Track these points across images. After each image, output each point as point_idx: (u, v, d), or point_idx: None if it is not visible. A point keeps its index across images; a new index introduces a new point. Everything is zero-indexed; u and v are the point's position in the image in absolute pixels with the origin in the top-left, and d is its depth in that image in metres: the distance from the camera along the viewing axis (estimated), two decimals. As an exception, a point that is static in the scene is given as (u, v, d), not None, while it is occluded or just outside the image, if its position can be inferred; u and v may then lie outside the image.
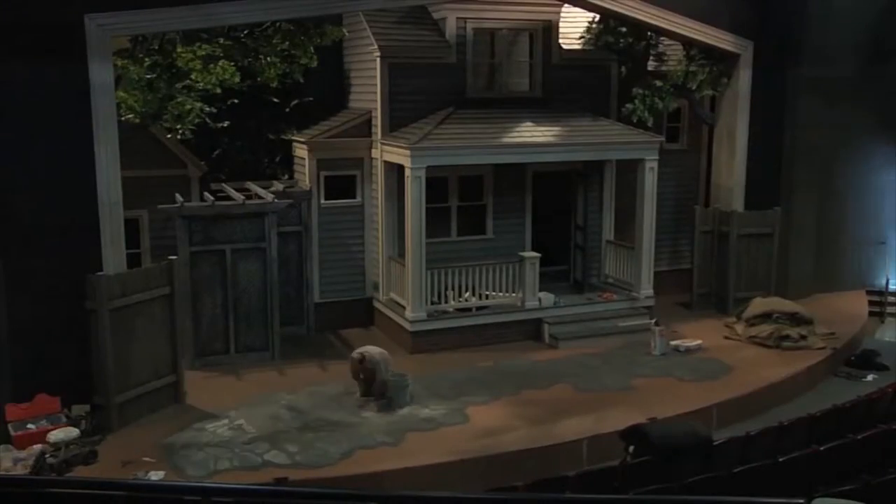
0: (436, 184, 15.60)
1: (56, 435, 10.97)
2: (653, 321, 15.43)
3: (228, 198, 15.27)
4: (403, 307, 15.40)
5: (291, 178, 17.12)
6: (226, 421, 12.21)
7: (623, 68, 17.04)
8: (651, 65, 17.51)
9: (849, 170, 17.87)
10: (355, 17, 15.78)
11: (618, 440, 9.66)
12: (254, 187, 16.00)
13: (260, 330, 14.84)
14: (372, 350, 13.17)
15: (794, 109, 17.36)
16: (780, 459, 8.12)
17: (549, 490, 8.45)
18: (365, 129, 16.26)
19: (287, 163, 17.34)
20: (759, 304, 16.06)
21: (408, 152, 14.60)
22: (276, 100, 16.79)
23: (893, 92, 17.86)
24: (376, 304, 16.61)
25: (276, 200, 14.98)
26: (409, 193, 14.72)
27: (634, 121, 16.67)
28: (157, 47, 13.73)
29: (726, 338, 15.84)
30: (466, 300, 15.53)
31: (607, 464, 10.06)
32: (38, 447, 10.84)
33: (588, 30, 17.14)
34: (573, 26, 17.23)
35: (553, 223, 17.54)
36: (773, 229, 17.37)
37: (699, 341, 15.36)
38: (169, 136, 15.22)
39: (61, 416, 11.50)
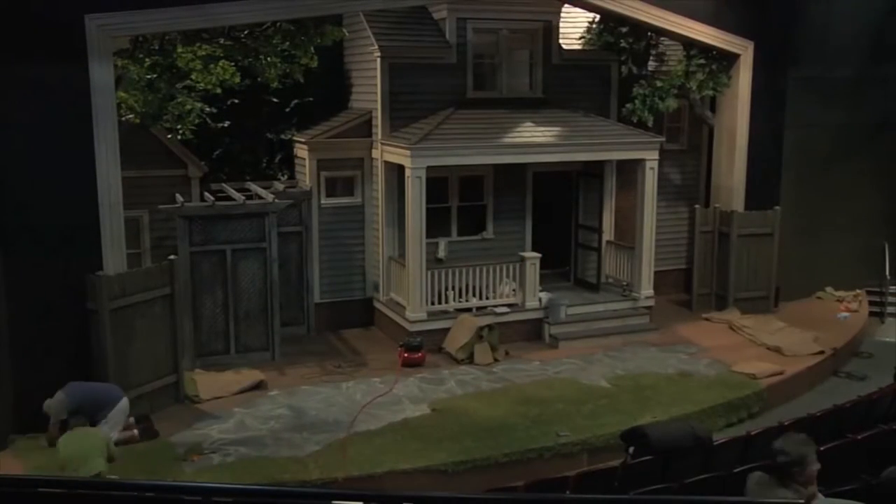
0: (436, 184, 15.60)
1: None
2: None
3: (228, 198, 15.27)
4: (404, 307, 15.40)
5: (291, 178, 17.12)
6: (226, 421, 12.22)
7: (623, 68, 17.04)
8: (651, 65, 17.51)
9: (849, 170, 17.85)
10: (355, 17, 15.78)
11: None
12: (254, 187, 16.00)
13: (260, 330, 14.84)
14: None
15: (794, 109, 17.35)
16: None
17: (549, 490, 8.45)
18: (365, 129, 16.26)
19: (287, 163, 17.34)
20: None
21: (408, 152, 14.60)
22: (276, 100, 16.79)
23: (893, 92, 17.86)
24: (376, 304, 16.61)
25: (276, 200, 14.98)
26: (409, 193, 14.72)
27: (634, 121, 16.67)
28: (157, 47, 13.72)
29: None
30: (466, 301, 15.53)
31: (607, 464, 10.09)
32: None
33: (588, 30, 17.14)
34: (573, 26, 17.22)
35: (554, 223, 17.55)
36: (773, 229, 17.36)
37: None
38: (169, 136, 15.22)
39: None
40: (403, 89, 15.78)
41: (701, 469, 8.18)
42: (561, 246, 17.66)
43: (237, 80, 14.73)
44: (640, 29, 16.54)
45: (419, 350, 14.51)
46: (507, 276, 15.80)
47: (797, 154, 17.53)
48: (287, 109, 17.11)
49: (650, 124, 16.73)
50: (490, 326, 14.87)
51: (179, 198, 14.80)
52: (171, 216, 14.47)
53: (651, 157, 16.06)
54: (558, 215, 17.62)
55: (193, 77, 14.48)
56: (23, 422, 11.45)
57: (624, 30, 16.58)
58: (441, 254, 16.27)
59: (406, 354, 14.43)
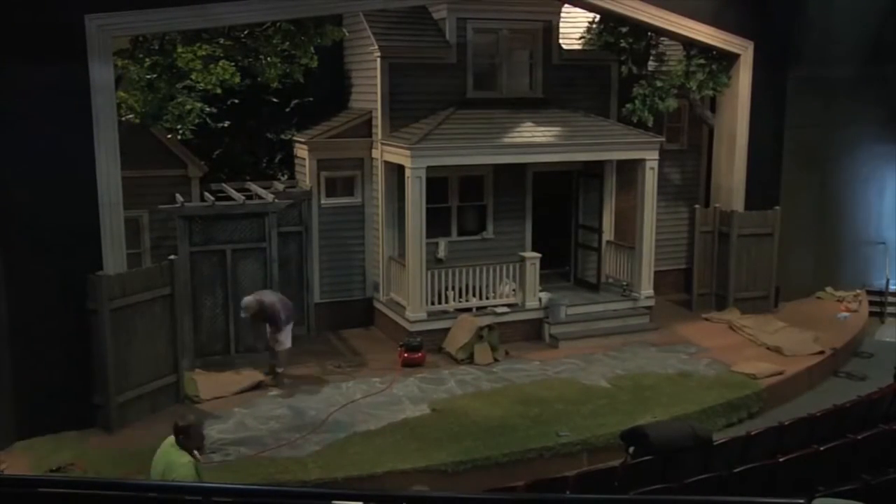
0: (436, 184, 15.60)
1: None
2: None
3: (228, 198, 15.27)
4: (404, 307, 15.40)
5: (291, 178, 17.12)
6: (226, 421, 12.21)
7: (623, 68, 17.04)
8: (651, 65, 17.51)
9: (848, 170, 17.87)
10: (355, 17, 15.78)
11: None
12: (254, 187, 16.00)
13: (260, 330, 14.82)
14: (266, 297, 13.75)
15: (795, 109, 17.36)
16: (781, 459, 8.12)
17: (549, 490, 8.45)
18: (365, 129, 16.25)
19: (287, 163, 17.34)
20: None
21: (408, 152, 14.60)
22: (276, 100, 16.78)
23: (893, 92, 17.86)
24: (376, 304, 16.61)
25: (276, 200, 14.98)
26: (409, 193, 14.72)
27: (634, 121, 16.67)
28: (157, 47, 13.72)
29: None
30: (466, 301, 15.53)
31: (607, 464, 10.09)
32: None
33: (588, 30, 17.15)
34: (573, 26, 17.23)
35: (554, 223, 17.56)
36: (773, 229, 17.36)
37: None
38: (169, 136, 15.22)
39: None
40: (403, 89, 15.78)
41: (701, 469, 8.17)
42: (561, 246, 17.67)
43: (237, 80, 14.72)
44: (640, 29, 16.54)
45: (419, 350, 14.51)
46: (507, 276, 15.81)
47: (797, 154, 17.53)
48: (287, 109, 17.10)
49: (650, 124, 16.72)
50: (490, 326, 14.87)
51: (179, 198, 14.79)
52: (171, 216, 14.47)
53: (651, 157, 16.06)
54: (558, 215, 17.63)
55: (193, 77, 14.47)
56: (23, 421, 11.46)
57: (624, 30, 16.58)
58: (441, 254, 16.28)
59: (406, 354, 14.43)
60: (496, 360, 14.64)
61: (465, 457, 11.12)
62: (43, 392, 11.48)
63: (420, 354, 14.50)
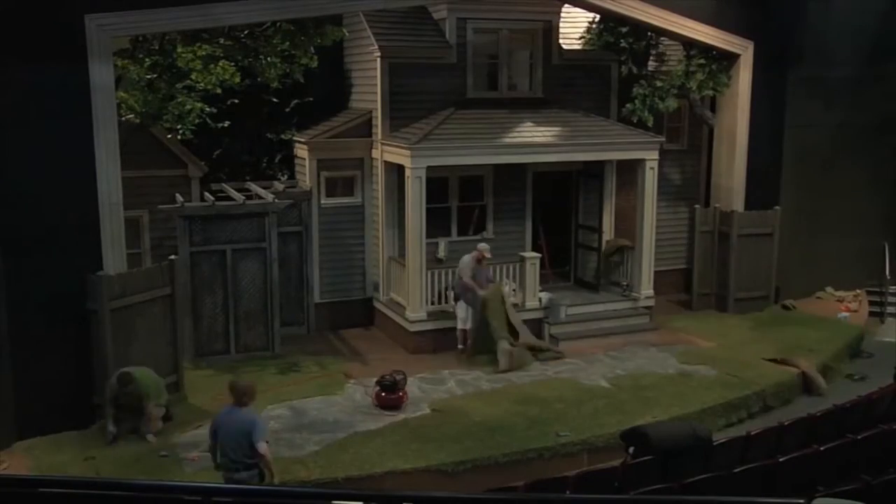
0: (436, 184, 15.60)
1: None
2: None
3: (228, 198, 15.27)
4: (404, 307, 15.40)
5: (291, 178, 17.13)
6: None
7: (623, 68, 17.04)
8: (651, 65, 17.51)
9: (848, 170, 17.85)
10: (355, 17, 15.78)
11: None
12: (254, 187, 16.00)
13: (260, 330, 14.85)
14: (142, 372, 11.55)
15: (795, 109, 17.35)
16: (780, 459, 8.12)
17: (549, 490, 8.46)
18: (365, 129, 16.26)
19: (287, 163, 17.34)
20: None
21: (408, 152, 14.61)
22: (276, 100, 16.79)
23: (893, 92, 17.85)
24: (376, 304, 16.61)
25: (276, 200, 14.99)
26: (409, 193, 14.73)
27: (634, 121, 16.67)
28: (157, 47, 13.72)
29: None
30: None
31: (607, 464, 10.09)
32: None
33: (588, 30, 17.15)
34: (573, 26, 17.24)
35: (554, 223, 17.57)
36: (773, 229, 17.37)
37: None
38: (169, 136, 15.22)
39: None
40: (403, 89, 15.79)
41: (701, 469, 8.17)
42: (561, 245, 17.67)
43: (237, 80, 14.71)
44: (640, 29, 16.55)
45: (398, 388, 12.61)
46: (507, 277, 15.80)
47: (797, 154, 17.52)
48: (287, 109, 17.09)
49: (650, 124, 16.73)
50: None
51: (179, 198, 14.80)
52: (171, 216, 14.48)
53: (651, 157, 16.06)
54: (559, 215, 17.62)
55: (193, 77, 14.46)
56: (23, 421, 11.45)
57: (624, 30, 16.59)
58: (441, 254, 16.27)
59: (384, 394, 12.60)
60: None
61: (465, 457, 11.11)
62: (43, 392, 11.47)
63: (400, 394, 12.63)
